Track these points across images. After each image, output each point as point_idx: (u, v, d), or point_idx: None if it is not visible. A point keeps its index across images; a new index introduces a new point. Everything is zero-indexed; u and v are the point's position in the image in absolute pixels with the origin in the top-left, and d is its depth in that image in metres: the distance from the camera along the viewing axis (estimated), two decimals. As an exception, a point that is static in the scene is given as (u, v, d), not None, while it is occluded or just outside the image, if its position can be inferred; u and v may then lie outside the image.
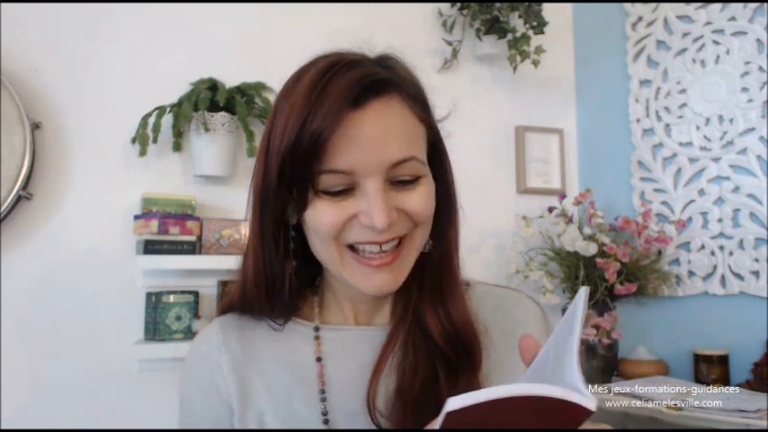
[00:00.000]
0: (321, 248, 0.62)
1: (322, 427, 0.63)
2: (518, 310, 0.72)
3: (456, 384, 0.62)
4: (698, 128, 1.79)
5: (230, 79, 1.73)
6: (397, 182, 0.60)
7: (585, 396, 0.35)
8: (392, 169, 0.59)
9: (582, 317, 0.43)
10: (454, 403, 0.35)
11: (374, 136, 0.58)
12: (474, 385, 0.63)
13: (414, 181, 0.61)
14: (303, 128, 0.57)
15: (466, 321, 0.65)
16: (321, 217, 0.59)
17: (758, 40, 1.68)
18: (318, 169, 0.57)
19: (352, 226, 0.59)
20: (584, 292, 0.45)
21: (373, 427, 0.61)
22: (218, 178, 1.71)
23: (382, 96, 0.59)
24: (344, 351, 0.67)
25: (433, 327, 0.64)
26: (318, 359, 0.66)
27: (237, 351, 0.66)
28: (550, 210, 1.90)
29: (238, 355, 0.66)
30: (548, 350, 0.46)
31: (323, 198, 0.59)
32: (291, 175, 0.58)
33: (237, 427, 0.64)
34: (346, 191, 0.59)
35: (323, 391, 0.64)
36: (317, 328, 0.68)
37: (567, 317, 0.45)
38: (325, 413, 0.63)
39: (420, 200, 0.61)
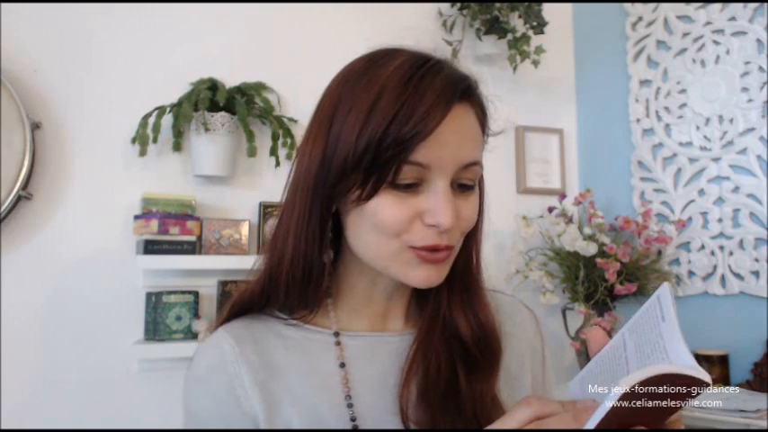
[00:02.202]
0: (375, 240, 0.61)
1: None
2: (515, 314, 0.76)
3: (476, 385, 0.64)
4: (698, 128, 1.80)
5: (230, 79, 1.73)
6: (459, 186, 0.61)
7: (706, 375, 0.42)
8: (462, 170, 0.60)
9: (674, 308, 0.46)
10: (626, 382, 0.41)
11: (454, 137, 0.59)
12: (492, 386, 0.65)
13: (471, 188, 0.63)
14: (395, 120, 0.56)
15: (492, 324, 0.68)
16: (386, 211, 0.59)
17: (758, 40, 1.68)
18: (401, 160, 0.57)
19: (414, 226, 0.59)
20: (667, 286, 0.48)
21: (402, 426, 0.62)
22: (218, 178, 1.71)
23: (464, 102, 0.61)
24: (364, 358, 0.66)
25: (464, 330, 0.66)
26: (342, 365, 0.65)
27: (255, 362, 0.64)
28: (550, 210, 1.90)
29: (257, 366, 0.64)
30: (621, 341, 0.49)
31: (390, 191, 0.59)
32: (371, 163, 0.58)
33: None
34: (413, 186, 0.59)
35: (349, 397, 0.64)
36: (336, 334, 0.67)
37: (646, 311, 0.49)
38: (353, 419, 0.62)
39: (472, 208, 0.63)
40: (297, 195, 0.64)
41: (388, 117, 0.57)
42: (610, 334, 1.78)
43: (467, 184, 0.62)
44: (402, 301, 0.70)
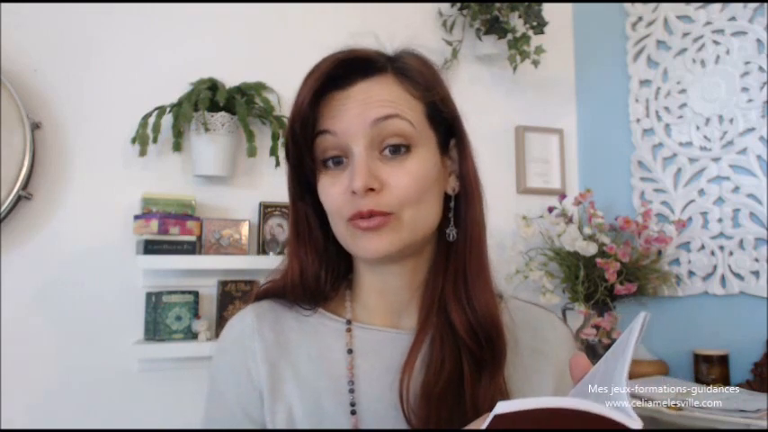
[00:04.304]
0: (333, 223, 0.67)
1: (348, 418, 0.63)
2: (548, 330, 0.72)
3: (479, 379, 0.63)
4: (698, 128, 1.79)
5: (230, 79, 1.73)
6: (388, 153, 0.63)
7: (631, 417, 0.35)
8: (375, 130, 0.63)
9: (636, 341, 0.43)
10: (503, 407, 0.36)
11: (356, 104, 0.63)
12: (496, 381, 0.63)
13: (404, 152, 0.64)
14: (298, 107, 0.64)
15: (489, 309, 0.65)
16: (325, 190, 0.65)
17: (758, 40, 1.68)
18: (311, 135, 0.64)
19: (345, 199, 0.63)
20: (642, 317, 0.45)
21: (402, 421, 0.62)
22: (218, 178, 1.71)
23: (370, 77, 0.65)
24: (373, 350, 0.68)
25: (456, 317, 0.65)
26: (350, 351, 0.67)
27: (270, 340, 0.68)
28: (550, 210, 1.90)
29: (271, 343, 0.68)
30: (597, 370, 0.46)
31: (325, 172, 0.66)
32: (294, 149, 0.66)
33: (267, 416, 0.65)
34: (341, 164, 0.65)
35: (351, 383, 0.65)
36: (348, 321, 0.70)
37: (621, 339, 0.45)
38: (352, 404, 0.64)
39: (404, 174, 0.63)
40: (289, 201, 0.71)
41: (293, 109, 0.65)
42: (609, 334, 1.77)
43: (393, 145, 0.63)
44: (412, 297, 0.70)
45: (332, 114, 0.64)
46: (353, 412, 0.63)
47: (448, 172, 0.70)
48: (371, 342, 0.68)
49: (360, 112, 0.63)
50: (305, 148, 0.65)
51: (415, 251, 0.67)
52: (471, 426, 0.48)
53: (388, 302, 0.70)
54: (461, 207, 0.69)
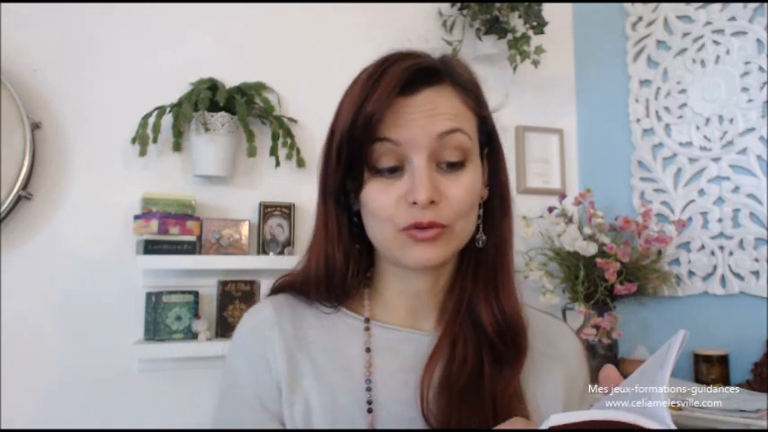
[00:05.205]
0: (376, 228, 0.65)
1: (365, 417, 0.64)
2: (559, 338, 0.74)
3: (500, 375, 0.64)
4: (698, 128, 1.80)
5: (230, 79, 1.73)
6: (445, 165, 0.63)
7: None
8: (439, 142, 0.62)
9: (675, 358, 0.44)
10: (557, 419, 0.37)
11: (422, 114, 0.62)
12: (516, 377, 0.65)
13: (460, 166, 0.64)
14: (360, 110, 0.62)
15: (515, 311, 0.68)
16: (374, 196, 0.63)
17: (758, 40, 1.68)
18: (372, 138, 0.62)
19: (400, 208, 0.62)
20: (681, 335, 0.46)
21: (418, 422, 0.62)
22: (218, 178, 1.71)
23: (434, 86, 0.64)
24: (390, 349, 0.68)
25: (486, 318, 0.67)
26: (368, 349, 0.67)
27: (289, 332, 0.68)
28: (550, 210, 1.90)
29: (290, 336, 0.68)
30: (630, 382, 0.47)
31: (376, 178, 0.64)
32: (348, 152, 0.63)
33: (285, 409, 0.65)
34: (397, 171, 0.63)
35: (369, 381, 0.65)
36: (367, 320, 0.70)
37: (658, 354, 0.46)
38: (369, 402, 0.64)
39: (461, 187, 0.63)
40: (318, 198, 0.70)
41: (353, 111, 0.63)
42: (609, 334, 1.77)
43: (452, 161, 0.63)
44: (433, 300, 0.71)
45: (395, 122, 0.62)
46: (370, 410, 0.64)
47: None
48: (390, 341, 0.68)
49: (426, 123, 0.62)
50: (360, 152, 0.63)
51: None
52: (499, 427, 0.49)
53: (409, 304, 0.70)
54: (494, 214, 0.69)
